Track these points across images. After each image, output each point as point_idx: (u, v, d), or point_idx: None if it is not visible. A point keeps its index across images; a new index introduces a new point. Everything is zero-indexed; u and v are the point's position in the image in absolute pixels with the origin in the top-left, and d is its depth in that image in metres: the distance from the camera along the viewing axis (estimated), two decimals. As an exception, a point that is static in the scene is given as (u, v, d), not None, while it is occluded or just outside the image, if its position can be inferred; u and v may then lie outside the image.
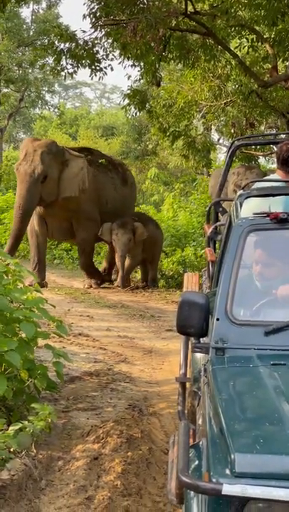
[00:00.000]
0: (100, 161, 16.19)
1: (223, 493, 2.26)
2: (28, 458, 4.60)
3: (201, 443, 2.93)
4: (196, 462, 2.74)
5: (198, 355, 4.28)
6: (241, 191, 4.80)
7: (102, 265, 17.40)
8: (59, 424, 5.46)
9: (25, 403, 5.40)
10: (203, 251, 16.30)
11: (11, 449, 4.53)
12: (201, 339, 3.65)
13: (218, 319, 3.49)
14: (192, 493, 2.60)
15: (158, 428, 5.61)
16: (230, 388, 3.14)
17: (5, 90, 39.08)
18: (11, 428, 4.60)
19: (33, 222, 14.91)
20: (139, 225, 15.52)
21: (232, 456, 2.36)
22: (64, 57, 13.96)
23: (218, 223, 6.33)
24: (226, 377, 3.23)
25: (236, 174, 14.12)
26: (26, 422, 4.73)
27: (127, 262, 15.58)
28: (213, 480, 2.33)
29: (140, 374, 7.63)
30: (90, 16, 13.56)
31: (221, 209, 6.69)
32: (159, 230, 17.00)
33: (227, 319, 3.46)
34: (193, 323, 3.51)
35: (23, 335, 5.35)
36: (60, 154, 15.00)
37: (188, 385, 4.62)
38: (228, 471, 2.35)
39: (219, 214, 6.74)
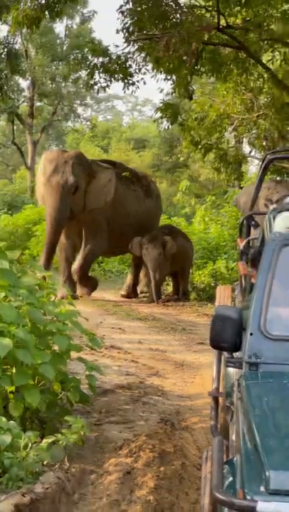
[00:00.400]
0: (123, 174, 16.22)
1: (257, 510, 2.26)
2: (61, 471, 4.61)
3: (235, 459, 2.92)
4: (230, 479, 2.73)
5: (232, 369, 4.27)
6: (274, 205, 4.80)
7: (126, 280, 17.40)
8: (92, 438, 5.47)
9: (58, 416, 5.42)
10: (235, 264, 16.26)
11: (45, 462, 4.54)
12: (234, 354, 3.65)
13: (251, 334, 3.48)
14: (226, 509, 2.60)
15: (190, 443, 5.59)
16: (264, 404, 3.14)
17: (38, 104, 39.40)
18: (44, 441, 4.62)
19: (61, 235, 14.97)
20: (168, 239, 15.54)
21: (266, 473, 2.36)
22: (97, 71, 14.06)
23: (250, 237, 6.32)
24: (260, 392, 3.23)
25: (267, 188, 14.11)
26: (59, 435, 4.75)
27: (157, 275, 15.60)
28: (248, 497, 2.33)
29: (172, 387, 7.61)
30: (123, 31, 13.64)
31: (253, 223, 6.68)
32: (189, 242, 16.99)
33: (261, 334, 3.46)
34: (227, 337, 3.52)
35: (57, 348, 5.37)
36: (88, 166, 15.06)
37: (220, 399, 4.61)
38: (262, 489, 2.35)
39: (252, 228, 6.73)
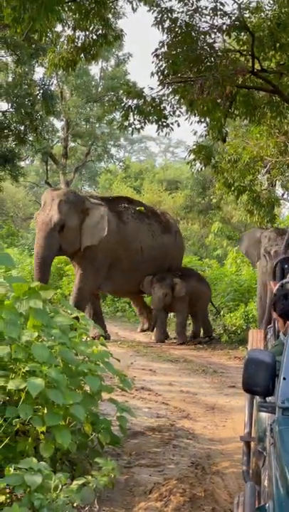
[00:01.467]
0: (137, 209, 16.14)
1: None
2: (91, 514, 4.58)
3: (267, 505, 2.89)
4: (263, 525, 2.70)
5: (264, 414, 4.23)
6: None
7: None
8: (122, 480, 5.43)
9: (88, 457, 5.40)
10: (267, 307, 16.15)
11: (75, 504, 4.51)
12: (267, 398, 3.62)
13: (284, 378, 3.46)
14: None
15: (221, 488, 5.52)
16: (297, 450, 3.10)
17: (72, 145, 39.82)
18: (74, 483, 4.59)
19: None
20: (178, 280, 15.55)
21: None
22: (132, 113, 14.18)
23: (284, 280, 6.29)
24: (294, 438, 3.19)
25: (267, 239, 14.13)
26: (90, 477, 4.71)
27: (176, 318, 15.65)
28: None
29: (203, 431, 7.55)
30: (157, 74, 13.78)
31: (287, 266, 6.66)
32: (204, 284, 16.83)
33: None
34: (260, 381, 3.49)
35: (88, 388, 5.36)
36: (80, 203, 14.93)
37: (253, 444, 4.56)
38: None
39: (285, 271, 6.70)
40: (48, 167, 41.02)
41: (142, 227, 15.97)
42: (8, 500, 4.48)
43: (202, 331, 16.62)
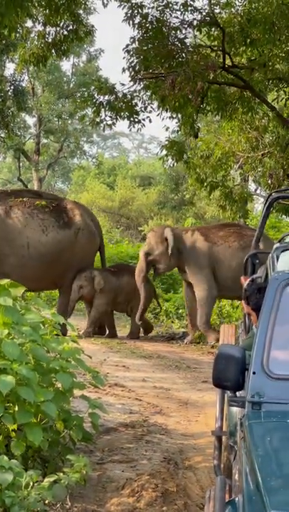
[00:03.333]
0: (36, 203, 15.35)
1: None
2: (63, 510, 4.57)
3: (237, 499, 2.90)
4: (233, 519, 2.71)
5: (235, 408, 4.26)
6: (278, 244, 4.81)
7: None
8: (94, 477, 5.43)
9: (60, 455, 5.39)
10: (239, 302, 16.23)
11: (46, 501, 4.51)
12: (237, 393, 3.63)
13: (254, 373, 3.47)
14: None
15: (194, 482, 5.54)
16: (266, 444, 3.12)
17: (45, 141, 39.69)
18: (46, 480, 4.58)
19: None
20: (96, 273, 15.27)
21: (268, 514, 2.34)
22: (103, 109, 14.16)
23: (254, 275, 6.31)
24: (263, 432, 3.21)
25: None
26: (61, 474, 4.71)
27: (92, 311, 15.41)
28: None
29: (176, 426, 7.56)
30: (129, 70, 13.78)
31: (257, 261, 6.68)
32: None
33: (263, 373, 3.44)
34: (230, 376, 3.50)
35: (60, 385, 5.35)
36: None
37: (224, 438, 4.58)
38: (264, 529, 2.33)
39: (256, 266, 6.73)
40: (21, 164, 40.85)
41: (32, 222, 15.05)
42: (-22, 499, 4.45)
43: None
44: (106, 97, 14.19)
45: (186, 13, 13.83)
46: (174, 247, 15.21)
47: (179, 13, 13.88)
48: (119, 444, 6.49)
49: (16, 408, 4.84)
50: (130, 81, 14.10)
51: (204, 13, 13.91)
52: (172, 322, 17.83)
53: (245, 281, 6.05)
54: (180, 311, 18.24)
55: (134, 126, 14.59)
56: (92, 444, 6.17)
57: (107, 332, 15.76)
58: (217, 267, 15.27)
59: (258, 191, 31.83)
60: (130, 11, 13.63)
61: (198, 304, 15.22)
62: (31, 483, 4.46)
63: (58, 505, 4.60)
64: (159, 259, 15.56)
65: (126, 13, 13.67)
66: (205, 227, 16.95)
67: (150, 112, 14.55)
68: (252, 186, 30.00)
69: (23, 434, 4.86)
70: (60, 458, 5.38)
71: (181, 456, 6.30)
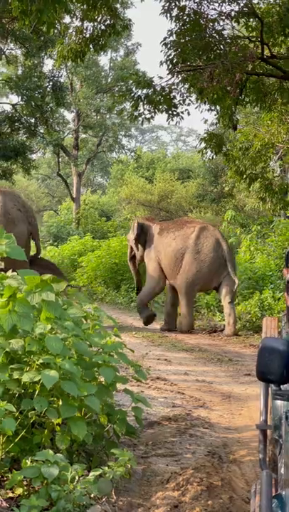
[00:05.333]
0: None
1: None
2: (109, 504, 4.58)
3: (283, 493, 2.87)
4: (279, 513, 2.68)
5: (279, 402, 4.22)
6: None
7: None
8: (138, 471, 5.43)
9: (104, 448, 5.40)
10: (281, 294, 16.13)
11: (92, 495, 4.52)
12: (281, 386, 3.60)
13: (299, 366, 3.43)
14: None
15: (238, 476, 5.51)
16: (313, 437, 3.09)
17: (83, 136, 39.85)
18: (91, 474, 4.60)
19: None
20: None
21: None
22: (141, 103, 14.14)
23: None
24: (309, 425, 3.18)
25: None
26: (106, 468, 4.72)
27: None
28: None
29: (219, 420, 7.54)
30: (166, 63, 13.74)
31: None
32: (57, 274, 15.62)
33: None
34: (274, 369, 3.47)
35: (103, 379, 5.37)
36: None
37: (269, 432, 4.54)
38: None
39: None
40: (60, 159, 41.10)
41: None
42: (25, 493, 4.49)
43: None
44: (144, 91, 14.17)
45: (224, 4, 13.74)
46: (137, 237, 16.07)
47: (216, 4, 13.80)
48: (163, 438, 6.49)
49: (60, 402, 4.86)
50: (168, 74, 14.08)
51: (242, 4, 13.80)
52: (213, 315, 17.76)
53: (287, 273, 6.00)
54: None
55: (172, 120, 14.57)
56: (136, 437, 6.18)
57: None
58: (160, 259, 15.75)
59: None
60: (167, 4, 13.58)
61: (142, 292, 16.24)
62: (76, 477, 4.47)
63: (104, 499, 4.61)
64: (133, 248, 16.52)
65: (163, 6, 13.63)
66: (166, 221, 17.24)
67: (188, 104, 14.50)
68: (292, 177, 29.78)
69: (67, 428, 4.88)
70: (104, 452, 5.40)
71: (225, 450, 6.28)
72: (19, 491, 4.52)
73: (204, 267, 14.93)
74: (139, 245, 16.16)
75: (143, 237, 16.10)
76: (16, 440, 4.72)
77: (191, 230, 15.15)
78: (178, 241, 15.20)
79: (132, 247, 16.60)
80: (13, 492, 4.55)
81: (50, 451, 4.51)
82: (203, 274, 15.03)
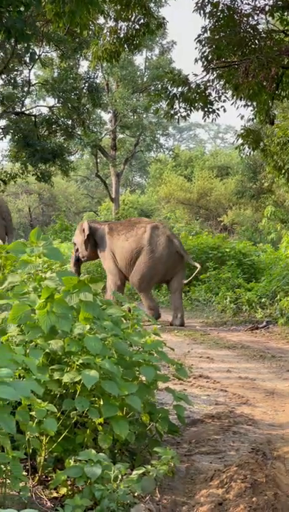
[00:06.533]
0: None
1: None
2: (153, 503, 4.58)
3: None
4: None
5: None
6: None
7: None
8: (182, 469, 5.42)
9: (147, 447, 5.40)
10: None
11: (135, 494, 4.52)
12: None
13: None
14: None
15: (283, 473, 5.46)
16: None
17: (121, 136, 39.96)
18: (134, 472, 4.60)
19: None
20: None
21: None
22: (177, 101, 14.14)
23: None
24: None
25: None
26: (149, 467, 4.72)
27: None
28: None
29: (263, 416, 7.49)
30: (201, 60, 13.72)
31: None
32: None
33: None
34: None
35: (144, 378, 5.37)
36: None
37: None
38: None
39: None
40: (98, 160, 41.24)
41: None
42: (69, 492, 4.51)
43: None
44: (179, 89, 14.17)
45: (258, -2, 13.69)
46: (88, 238, 16.36)
47: (250, -1, 13.75)
48: (206, 436, 6.47)
49: (101, 402, 4.87)
50: (203, 71, 14.04)
51: (276, -2, 13.73)
52: (255, 312, 17.68)
53: None
54: (263, 300, 18.07)
55: (208, 117, 14.53)
56: (178, 436, 6.17)
57: None
58: (115, 257, 16.06)
59: None
60: (201, 1, 13.56)
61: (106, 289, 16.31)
62: (120, 476, 4.48)
63: (147, 497, 4.61)
64: (79, 249, 16.80)
65: (196, 3, 13.60)
66: (114, 222, 17.42)
67: (224, 101, 14.45)
68: None
69: (109, 427, 4.89)
70: (147, 450, 5.40)
71: (269, 447, 6.23)
72: (63, 490, 4.54)
73: (160, 264, 15.18)
74: (89, 246, 16.57)
75: (92, 239, 16.50)
76: (59, 440, 4.74)
77: (142, 230, 15.42)
78: (131, 242, 15.47)
79: (77, 249, 16.99)
80: (57, 492, 4.58)
81: (93, 451, 4.52)
82: (160, 270, 15.46)
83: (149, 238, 15.15)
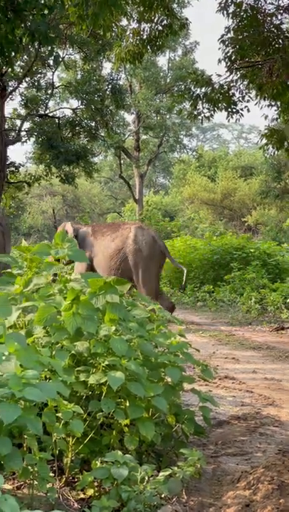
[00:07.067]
0: None
1: None
2: (179, 504, 4.57)
3: None
4: None
5: None
6: None
7: None
8: (208, 470, 5.41)
9: (173, 448, 5.40)
10: None
11: (162, 496, 4.52)
12: None
13: None
14: None
15: (310, 474, 5.44)
16: None
17: (144, 137, 39.99)
18: (160, 474, 4.60)
19: None
20: None
21: None
22: (200, 101, 14.15)
23: None
24: None
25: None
26: (176, 468, 4.71)
27: None
28: None
29: (289, 417, 7.46)
30: (225, 60, 13.71)
31: None
32: None
33: None
34: None
35: (169, 380, 5.36)
36: None
37: None
38: None
39: None
40: (122, 161, 41.29)
41: None
42: (96, 494, 4.52)
43: None
44: (203, 89, 14.18)
45: (281, -2, 13.66)
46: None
47: (273, -1, 13.73)
48: (233, 437, 6.45)
49: (127, 403, 4.88)
50: (227, 71, 14.04)
51: (300, -3, 13.70)
52: (280, 312, 17.62)
53: None
54: (288, 300, 18.02)
55: (232, 117, 14.53)
56: (204, 437, 6.15)
57: None
58: (96, 260, 15.83)
59: None
60: (224, 1, 13.55)
61: None
62: (146, 478, 4.48)
63: (174, 499, 4.60)
64: None
65: (220, 3, 13.60)
66: (98, 224, 17.35)
67: (248, 101, 14.45)
68: None
69: (135, 429, 4.89)
70: (173, 452, 5.39)
71: (296, 448, 6.21)
72: (90, 492, 4.55)
73: (147, 262, 15.10)
74: None
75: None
76: (85, 442, 4.75)
77: (128, 230, 15.33)
78: (117, 242, 15.37)
79: None
80: (84, 493, 4.58)
81: (119, 452, 4.52)
82: (148, 268, 15.22)
83: (134, 238, 15.12)
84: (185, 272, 15.42)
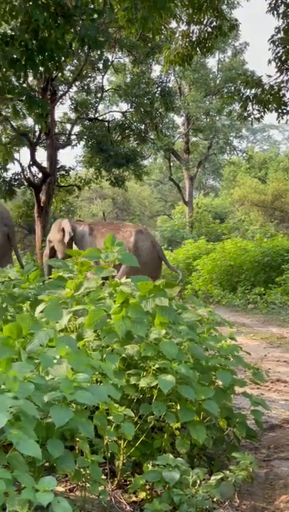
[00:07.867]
0: None
1: None
2: (232, 508, 4.55)
3: None
4: None
5: None
6: None
7: None
8: (261, 474, 5.37)
9: (225, 452, 5.37)
10: None
11: (214, 499, 4.50)
12: None
13: None
14: None
15: None
16: None
17: (194, 139, 39.93)
18: (212, 477, 4.58)
19: None
20: None
21: None
22: (250, 103, 14.09)
23: None
24: None
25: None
26: (228, 472, 4.69)
27: None
28: None
29: None
30: (275, 61, 13.64)
31: None
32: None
33: None
34: None
35: (220, 383, 5.34)
36: None
37: None
38: None
39: None
40: (171, 163, 41.30)
41: None
42: (148, 497, 4.52)
43: None
44: (253, 91, 14.13)
45: None
46: (69, 237, 16.15)
47: None
48: (285, 441, 6.39)
49: (178, 407, 4.87)
50: (277, 72, 13.96)
51: None
52: None
53: None
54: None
55: (282, 118, 14.43)
56: (256, 441, 6.11)
57: None
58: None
59: None
60: (274, 1, 13.48)
61: None
62: (198, 481, 4.46)
63: (226, 503, 4.58)
64: (57, 247, 16.69)
65: (270, 4, 13.53)
66: (94, 223, 17.33)
67: (299, 101, 14.33)
68: None
69: (186, 432, 4.88)
70: (225, 455, 5.37)
71: None
72: (142, 495, 4.55)
73: (146, 267, 15.02)
74: (67, 244, 16.42)
75: (70, 236, 16.39)
76: (137, 445, 4.76)
77: (128, 233, 15.30)
78: None
79: (53, 248, 16.95)
80: (136, 496, 4.59)
81: (171, 456, 4.52)
82: (144, 274, 15.12)
83: (134, 242, 15.11)
84: (180, 276, 15.88)
